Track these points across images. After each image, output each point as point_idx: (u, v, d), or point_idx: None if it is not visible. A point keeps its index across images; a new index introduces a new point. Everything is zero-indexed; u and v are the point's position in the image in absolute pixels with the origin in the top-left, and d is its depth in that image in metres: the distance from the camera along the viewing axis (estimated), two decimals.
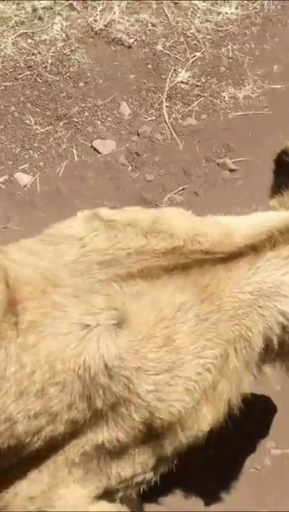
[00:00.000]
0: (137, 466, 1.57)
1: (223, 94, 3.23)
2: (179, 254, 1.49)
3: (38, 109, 3.11)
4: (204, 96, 3.22)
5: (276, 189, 1.75)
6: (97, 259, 1.44)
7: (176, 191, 2.94)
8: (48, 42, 3.24)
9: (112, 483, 1.59)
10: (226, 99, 3.22)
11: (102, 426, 1.45)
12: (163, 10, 3.37)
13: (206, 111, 3.19)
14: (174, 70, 3.25)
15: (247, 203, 2.85)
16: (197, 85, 3.24)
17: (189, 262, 1.49)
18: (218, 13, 3.40)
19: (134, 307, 1.40)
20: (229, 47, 3.36)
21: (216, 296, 1.48)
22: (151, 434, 1.51)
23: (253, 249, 1.52)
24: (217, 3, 3.43)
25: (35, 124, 3.06)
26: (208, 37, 3.36)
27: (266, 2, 3.51)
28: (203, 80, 3.26)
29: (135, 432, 1.48)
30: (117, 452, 1.52)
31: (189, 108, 3.18)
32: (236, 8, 3.44)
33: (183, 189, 2.95)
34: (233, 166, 3.02)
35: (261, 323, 1.53)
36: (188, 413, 1.52)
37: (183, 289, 1.47)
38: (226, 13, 3.41)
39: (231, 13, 3.41)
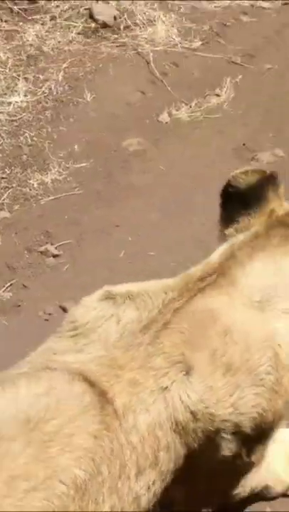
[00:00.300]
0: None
1: (31, 181, 3.22)
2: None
3: None
4: (12, 187, 3.18)
5: (227, 220, 1.79)
6: (137, 327, 1.51)
7: (3, 289, 2.84)
8: None
9: None
10: (35, 186, 3.21)
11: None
12: None
13: (17, 201, 3.15)
14: None
15: (80, 284, 2.82)
16: (3, 177, 3.20)
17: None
18: (9, 103, 3.41)
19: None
20: (27, 134, 3.37)
21: None
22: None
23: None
24: (6, 94, 3.44)
25: None
26: (4, 128, 3.35)
27: (53, 85, 3.58)
28: (8, 172, 3.23)
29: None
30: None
31: (0, 201, 3.13)
32: (25, 95, 3.47)
33: (10, 285, 2.87)
34: (56, 252, 2.99)
35: None
36: (266, 412, 1.59)
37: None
38: (16, 101, 3.43)
39: (21, 101, 3.44)
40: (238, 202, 1.74)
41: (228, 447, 1.57)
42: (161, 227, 3.07)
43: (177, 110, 3.67)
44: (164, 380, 1.46)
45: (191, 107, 3.68)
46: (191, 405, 1.47)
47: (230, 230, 1.76)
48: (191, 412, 1.47)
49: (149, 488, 1.45)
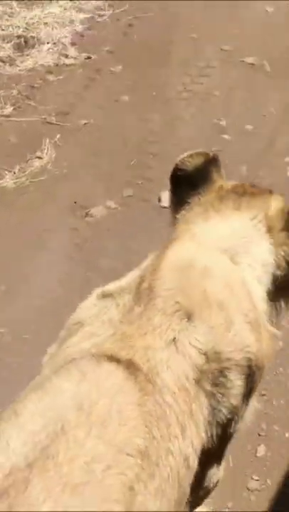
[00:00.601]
0: None
1: None
2: None
3: None
4: None
5: (178, 204, 1.84)
6: (132, 303, 1.55)
7: None
8: None
9: None
10: None
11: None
12: None
13: None
14: None
15: None
16: None
17: None
18: None
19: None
20: None
21: None
22: None
23: None
24: None
25: None
26: None
27: None
28: None
29: None
30: None
31: None
32: None
33: None
34: None
35: None
36: (256, 353, 1.63)
37: None
38: None
39: None
40: (186, 184, 1.82)
41: (230, 393, 1.58)
42: None
43: (1, 179, 3.59)
44: (169, 333, 1.50)
45: (15, 173, 3.61)
46: (202, 348, 1.51)
47: (182, 213, 1.82)
48: (204, 354, 1.51)
49: (192, 444, 1.47)
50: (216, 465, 1.67)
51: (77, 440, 1.23)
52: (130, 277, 1.66)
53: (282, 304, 1.78)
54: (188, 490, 1.49)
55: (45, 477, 1.16)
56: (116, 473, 1.24)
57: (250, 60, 4.40)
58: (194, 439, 1.48)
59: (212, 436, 1.55)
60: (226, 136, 3.82)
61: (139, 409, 1.36)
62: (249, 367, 1.60)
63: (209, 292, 1.57)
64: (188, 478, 1.47)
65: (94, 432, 1.26)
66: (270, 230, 1.73)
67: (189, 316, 1.53)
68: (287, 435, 2.55)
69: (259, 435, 2.54)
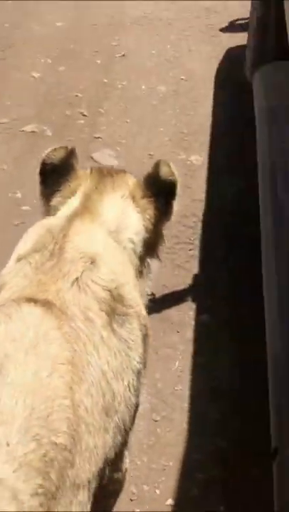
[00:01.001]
0: None
1: None
2: None
3: None
4: None
5: (49, 194, 2.05)
6: (45, 259, 1.76)
7: None
8: None
9: None
10: None
11: None
12: None
13: None
14: None
15: None
16: None
17: None
18: None
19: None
20: None
21: None
22: None
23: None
24: None
25: None
26: None
27: None
28: None
29: None
30: None
31: None
32: None
33: None
34: None
35: None
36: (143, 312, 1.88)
37: None
38: None
39: None
40: (54, 175, 2.05)
41: (137, 342, 1.79)
42: None
43: None
44: (74, 273, 1.71)
45: None
46: (105, 284, 1.73)
47: (56, 199, 2.04)
48: (109, 291, 1.73)
49: (108, 363, 1.66)
50: (126, 446, 1.81)
51: (20, 360, 1.46)
52: (33, 243, 1.85)
53: (148, 261, 2.06)
54: (112, 408, 1.66)
55: (4, 383, 1.40)
56: (57, 377, 1.48)
57: (29, 128, 4.38)
58: (110, 360, 1.67)
59: (128, 384, 1.74)
60: (25, 208, 3.73)
61: (59, 331, 1.57)
62: (145, 326, 1.83)
63: (108, 242, 1.87)
64: (109, 394, 1.64)
65: (31, 352, 1.48)
66: (134, 200, 2.01)
67: (93, 261, 1.75)
68: (158, 492, 2.47)
69: (131, 500, 2.45)
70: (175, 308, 3.18)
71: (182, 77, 4.90)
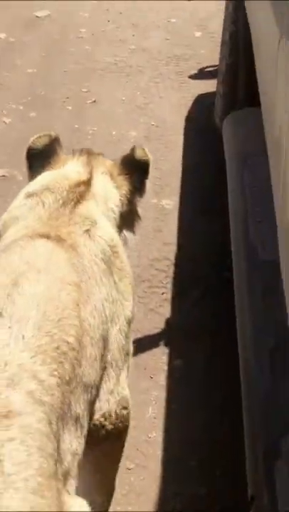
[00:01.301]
0: None
1: None
2: None
3: None
4: None
5: (34, 176, 2.23)
6: (58, 204, 1.99)
7: None
8: None
9: None
10: None
11: None
12: None
13: None
14: None
15: None
16: None
17: None
18: None
19: None
20: None
21: None
22: None
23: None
24: None
25: None
26: None
27: None
28: None
29: None
30: None
31: None
32: None
33: None
34: None
35: None
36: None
37: None
38: None
39: None
40: (39, 159, 2.26)
41: (130, 299, 2.00)
42: None
43: None
44: (84, 226, 1.93)
45: None
46: (108, 241, 1.95)
47: None
48: (109, 246, 1.95)
49: (107, 300, 1.85)
50: (115, 376, 1.89)
51: (33, 277, 1.64)
52: (47, 183, 2.07)
53: (125, 234, 2.27)
54: (106, 341, 1.81)
55: (19, 293, 1.59)
56: (66, 294, 1.66)
57: (0, 172, 4.37)
58: (108, 300, 1.84)
59: (120, 329, 1.89)
60: None
61: (68, 261, 1.77)
62: (133, 287, 2.05)
63: (104, 216, 2.08)
64: (105, 327, 1.80)
65: (42, 272, 1.67)
66: (112, 177, 2.22)
67: (97, 222, 1.98)
68: None
69: None
70: (148, 353, 3.14)
71: (153, 123, 4.94)
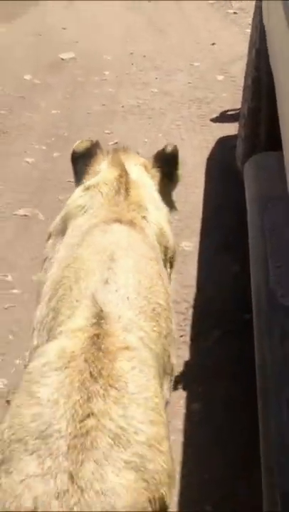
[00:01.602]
0: None
1: None
2: None
3: None
4: None
5: (80, 176, 2.54)
6: (113, 192, 2.32)
7: None
8: None
9: None
10: None
11: None
12: None
13: None
14: None
15: None
16: None
17: None
18: None
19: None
20: None
21: None
22: None
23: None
24: None
25: None
26: None
27: None
28: None
29: None
30: None
31: None
32: None
33: None
34: None
35: None
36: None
37: None
38: None
39: None
40: (82, 162, 2.55)
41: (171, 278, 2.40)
42: None
43: None
44: (141, 212, 2.26)
45: None
46: (157, 225, 2.30)
47: (88, 178, 2.47)
48: (160, 229, 2.31)
49: (165, 279, 2.17)
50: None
51: (123, 254, 1.98)
52: (101, 176, 2.39)
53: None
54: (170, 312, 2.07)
55: (117, 266, 1.95)
56: (151, 266, 2.03)
57: (22, 211, 4.40)
58: (164, 269, 2.23)
59: (169, 317, 2.05)
60: (15, 291, 3.71)
61: (143, 241, 2.12)
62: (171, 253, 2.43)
63: (151, 200, 2.39)
64: (169, 301, 2.09)
65: (129, 250, 2.01)
66: (146, 169, 2.54)
67: (148, 208, 2.31)
68: None
69: None
70: None
71: None
